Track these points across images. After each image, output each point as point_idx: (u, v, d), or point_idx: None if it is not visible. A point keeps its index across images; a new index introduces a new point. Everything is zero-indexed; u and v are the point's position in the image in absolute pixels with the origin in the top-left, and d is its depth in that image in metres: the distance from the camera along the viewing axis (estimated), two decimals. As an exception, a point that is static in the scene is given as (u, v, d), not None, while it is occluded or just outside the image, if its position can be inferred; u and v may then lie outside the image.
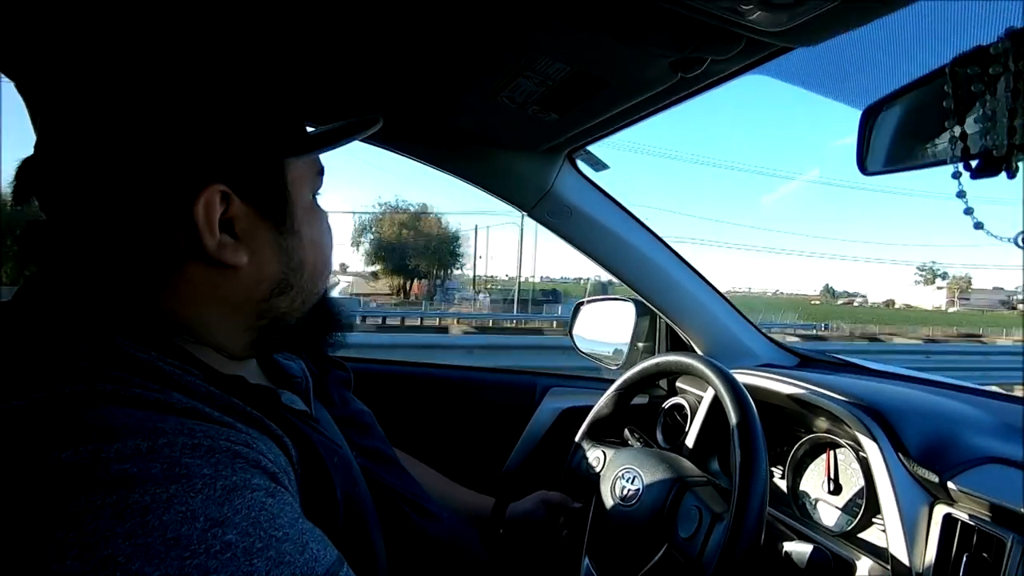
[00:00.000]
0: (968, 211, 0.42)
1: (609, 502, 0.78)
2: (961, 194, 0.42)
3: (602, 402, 0.93)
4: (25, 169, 0.45)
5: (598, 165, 0.99)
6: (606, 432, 0.93)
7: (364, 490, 0.53)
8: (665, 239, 1.10)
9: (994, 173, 0.39)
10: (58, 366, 0.38)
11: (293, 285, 0.51)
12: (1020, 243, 0.39)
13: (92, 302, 0.43)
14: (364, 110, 0.84)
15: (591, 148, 0.96)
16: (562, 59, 0.58)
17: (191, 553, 0.30)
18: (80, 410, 0.34)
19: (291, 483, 0.41)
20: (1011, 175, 0.38)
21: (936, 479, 0.64)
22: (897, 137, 0.50)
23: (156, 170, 0.43)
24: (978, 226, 0.42)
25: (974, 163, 0.41)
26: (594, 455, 0.87)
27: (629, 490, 0.76)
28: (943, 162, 0.44)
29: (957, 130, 0.41)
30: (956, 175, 0.42)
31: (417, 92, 0.74)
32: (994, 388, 0.99)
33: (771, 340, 1.20)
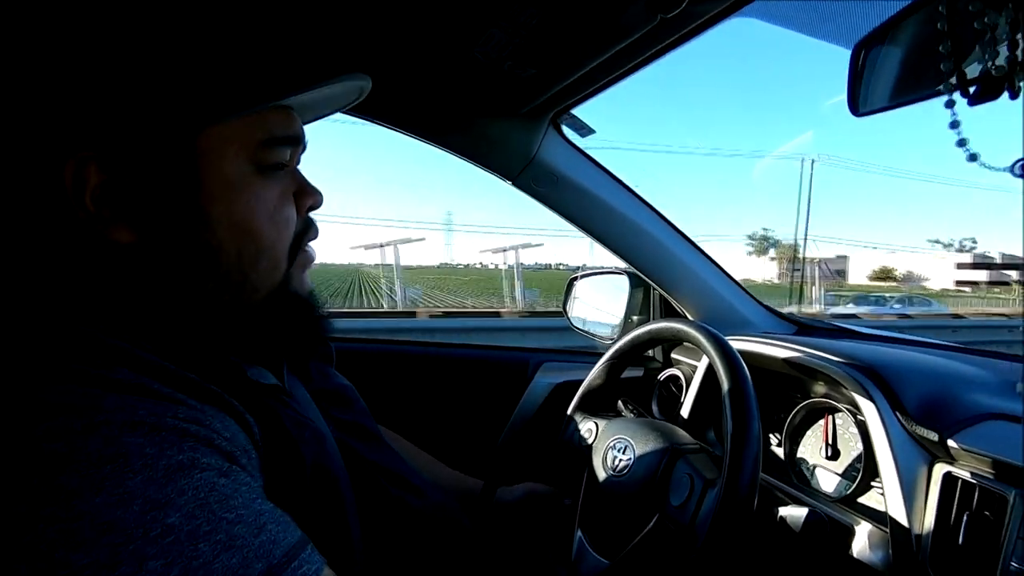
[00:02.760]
0: (961, 143, 0.39)
1: (601, 474, 0.76)
2: (954, 124, 0.39)
3: (594, 373, 0.90)
4: None
5: (583, 130, 0.96)
6: (599, 404, 0.91)
7: (339, 466, 0.51)
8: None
9: (994, 96, 0.36)
10: None
11: (209, 272, 0.44)
12: (1018, 172, 0.36)
13: (24, 276, 0.41)
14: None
15: (576, 112, 0.93)
16: (531, 2, 0.54)
17: (125, 538, 0.28)
18: (12, 388, 0.33)
19: (251, 462, 0.39)
20: (1013, 95, 0.35)
21: (936, 437, 0.62)
22: (890, 71, 0.47)
23: (27, 131, 0.39)
24: (972, 158, 0.39)
25: (972, 89, 0.38)
26: (586, 427, 0.85)
27: (621, 460, 0.74)
28: (941, 92, 0.41)
29: (953, 54, 0.38)
30: (950, 104, 0.39)
31: (387, 49, 0.71)
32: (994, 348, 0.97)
33: (768, 309, 1.18)
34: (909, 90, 0.46)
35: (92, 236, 0.41)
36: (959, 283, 60.22)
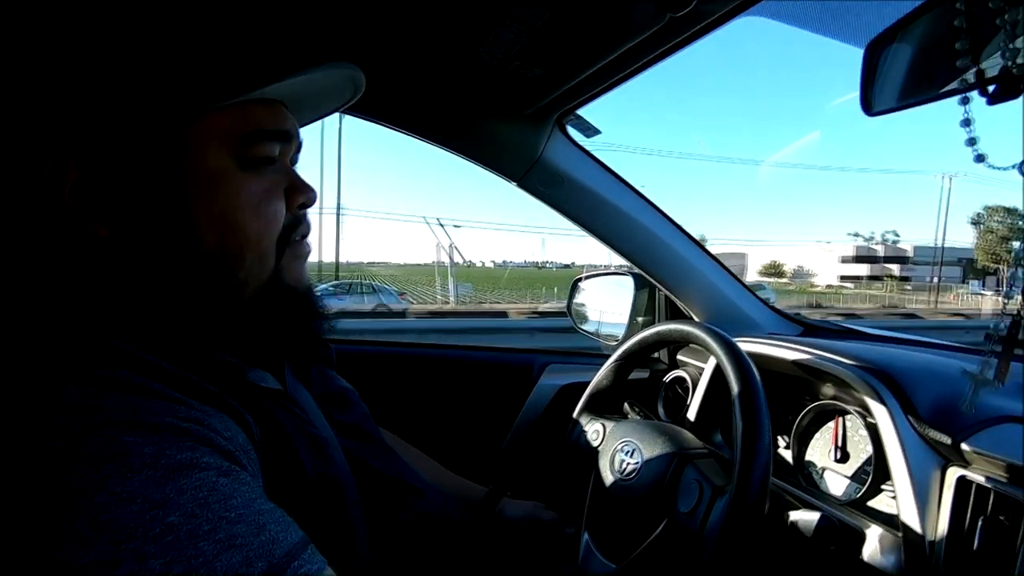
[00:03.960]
0: (971, 142, 0.38)
1: (608, 477, 0.75)
2: (966, 123, 0.38)
3: (601, 374, 0.90)
4: None
5: (589, 131, 0.95)
6: (605, 405, 0.90)
7: (343, 469, 0.51)
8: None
9: (1014, 95, 0.35)
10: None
11: (193, 267, 0.43)
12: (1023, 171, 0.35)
13: (25, 276, 0.41)
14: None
15: (581, 112, 0.92)
16: (540, 2, 0.54)
17: (126, 537, 0.28)
18: (16, 389, 0.33)
19: (252, 462, 0.39)
20: (1033, 94, 0.34)
21: (949, 441, 0.61)
22: (905, 70, 0.46)
23: (6, 131, 0.39)
24: (980, 159, 0.38)
25: (991, 88, 0.37)
26: (593, 429, 0.85)
27: (628, 464, 0.74)
28: (956, 91, 0.40)
29: (971, 52, 0.38)
30: (964, 101, 0.38)
31: (392, 51, 0.70)
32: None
33: (774, 310, 1.17)
34: (923, 89, 0.45)
35: (78, 232, 0.41)
36: (842, 277, 59.42)
